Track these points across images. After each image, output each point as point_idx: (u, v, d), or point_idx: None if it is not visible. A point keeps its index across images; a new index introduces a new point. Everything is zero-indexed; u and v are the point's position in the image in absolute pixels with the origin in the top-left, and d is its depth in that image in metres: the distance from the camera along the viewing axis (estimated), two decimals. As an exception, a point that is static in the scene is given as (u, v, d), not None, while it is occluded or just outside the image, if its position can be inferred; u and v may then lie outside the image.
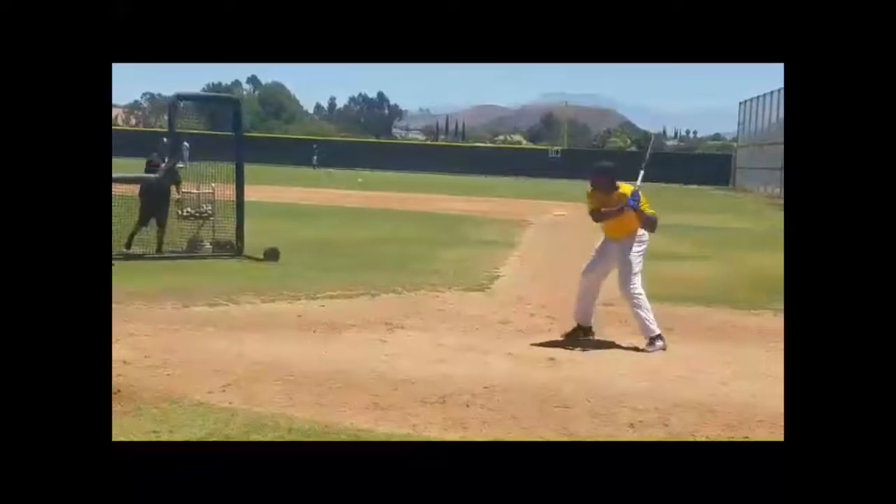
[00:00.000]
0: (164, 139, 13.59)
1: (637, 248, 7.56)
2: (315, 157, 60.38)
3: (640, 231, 7.59)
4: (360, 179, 49.38)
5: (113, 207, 12.37)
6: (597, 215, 7.69)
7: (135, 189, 12.94)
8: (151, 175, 12.82)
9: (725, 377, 6.57)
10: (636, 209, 7.43)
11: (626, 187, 7.57)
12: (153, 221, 12.91)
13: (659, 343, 7.39)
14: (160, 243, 12.88)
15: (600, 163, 8.26)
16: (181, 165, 13.71)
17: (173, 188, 13.10)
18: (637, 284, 7.51)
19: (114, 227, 12.27)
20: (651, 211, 7.57)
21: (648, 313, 7.48)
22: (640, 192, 7.48)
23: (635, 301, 7.49)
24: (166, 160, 12.91)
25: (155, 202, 12.82)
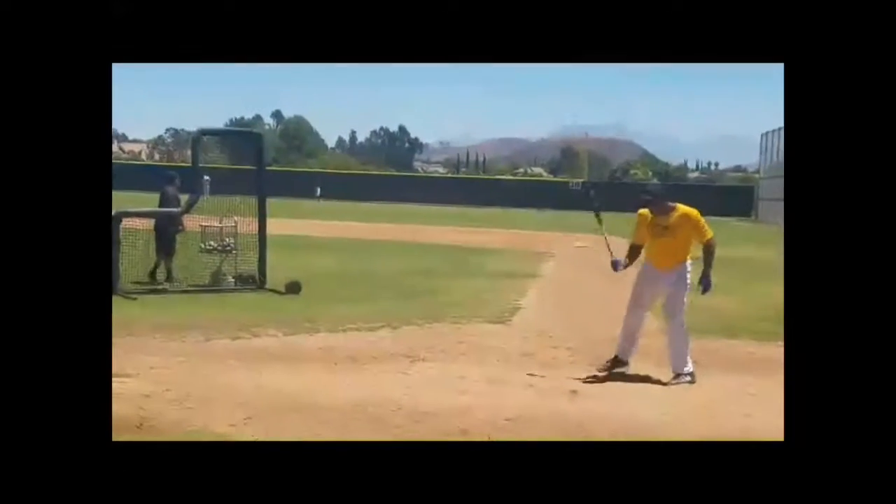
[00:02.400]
0: (176, 176, 13.87)
1: (687, 279, 7.52)
2: (318, 189, 60.68)
3: (686, 261, 7.54)
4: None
5: (132, 241, 12.71)
6: (634, 253, 7.62)
7: (149, 223, 13.20)
8: (175, 210, 13.03)
9: (749, 409, 6.51)
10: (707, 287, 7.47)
11: (683, 208, 7.52)
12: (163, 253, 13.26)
13: (686, 378, 7.34)
14: (168, 271, 13.11)
15: (646, 187, 8.18)
16: (205, 198, 13.86)
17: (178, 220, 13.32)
18: (682, 317, 7.49)
19: (131, 260, 12.58)
20: (708, 236, 7.51)
21: (687, 348, 7.44)
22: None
23: (679, 333, 7.46)
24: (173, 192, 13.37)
25: (164, 234, 13.13)
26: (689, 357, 7.44)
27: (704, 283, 7.47)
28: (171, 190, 13.49)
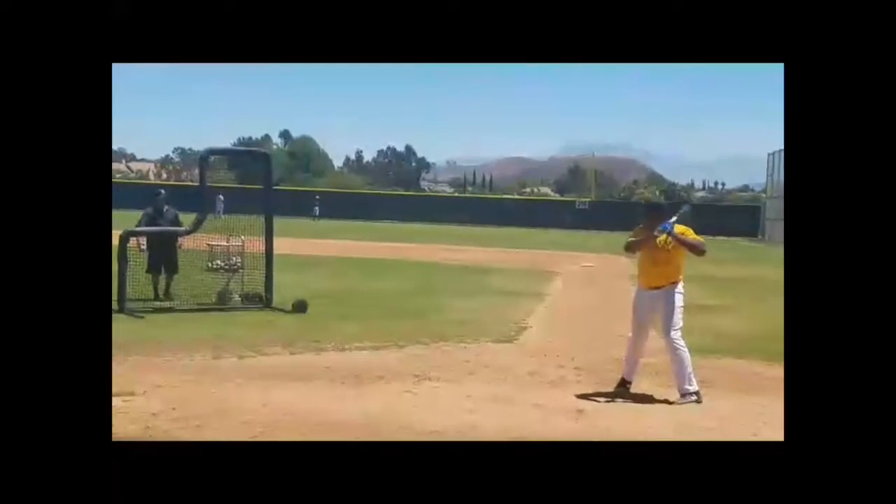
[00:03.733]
0: (162, 191, 13.93)
1: (678, 299, 7.46)
2: (316, 209, 60.59)
3: (679, 281, 7.53)
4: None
5: (139, 260, 12.78)
6: (631, 245, 7.62)
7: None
8: (181, 228, 13.11)
9: (757, 429, 6.48)
10: (670, 232, 7.35)
11: (679, 227, 7.49)
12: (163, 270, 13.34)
13: (692, 398, 7.30)
14: (167, 288, 13.20)
15: (653, 202, 8.17)
16: (222, 217, 13.95)
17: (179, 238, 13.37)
18: (679, 336, 7.43)
19: (138, 278, 12.62)
20: (693, 236, 7.52)
21: (687, 367, 7.38)
22: (672, 224, 7.42)
23: (677, 352, 7.39)
24: (166, 210, 13.51)
25: (164, 251, 13.19)
26: (692, 376, 7.38)
27: (668, 226, 7.40)
28: (148, 209, 13.67)
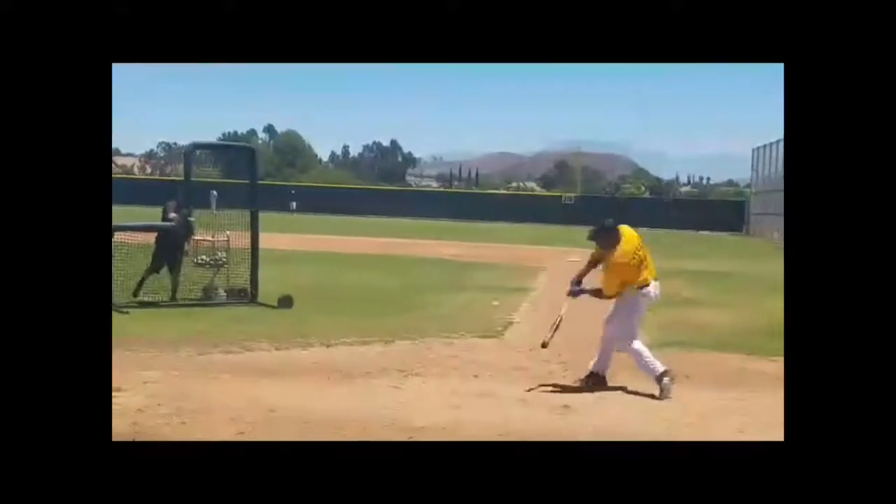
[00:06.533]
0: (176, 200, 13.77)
1: (632, 307, 7.59)
2: (293, 203, 60.33)
3: (623, 292, 7.61)
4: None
5: (125, 255, 12.61)
6: (574, 289, 7.94)
7: (148, 237, 13.08)
8: (168, 224, 12.96)
9: (742, 424, 6.52)
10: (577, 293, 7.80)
11: (627, 238, 7.61)
12: (164, 269, 13.02)
13: (666, 378, 7.36)
14: (174, 290, 12.97)
15: (602, 222, 8.27)
16: (213, 213, 13.81)
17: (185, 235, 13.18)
18: (626, 345, 7.56)
19: (125, 274, 12.46)
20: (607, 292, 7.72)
21: (646, 356, 7.48)
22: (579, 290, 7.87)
23: (630, 351, 7.56)
24: (182, 209, 13.15)
25: (168, 249, 12.97)
26: (653, 360, 7.45)
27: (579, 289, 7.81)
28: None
